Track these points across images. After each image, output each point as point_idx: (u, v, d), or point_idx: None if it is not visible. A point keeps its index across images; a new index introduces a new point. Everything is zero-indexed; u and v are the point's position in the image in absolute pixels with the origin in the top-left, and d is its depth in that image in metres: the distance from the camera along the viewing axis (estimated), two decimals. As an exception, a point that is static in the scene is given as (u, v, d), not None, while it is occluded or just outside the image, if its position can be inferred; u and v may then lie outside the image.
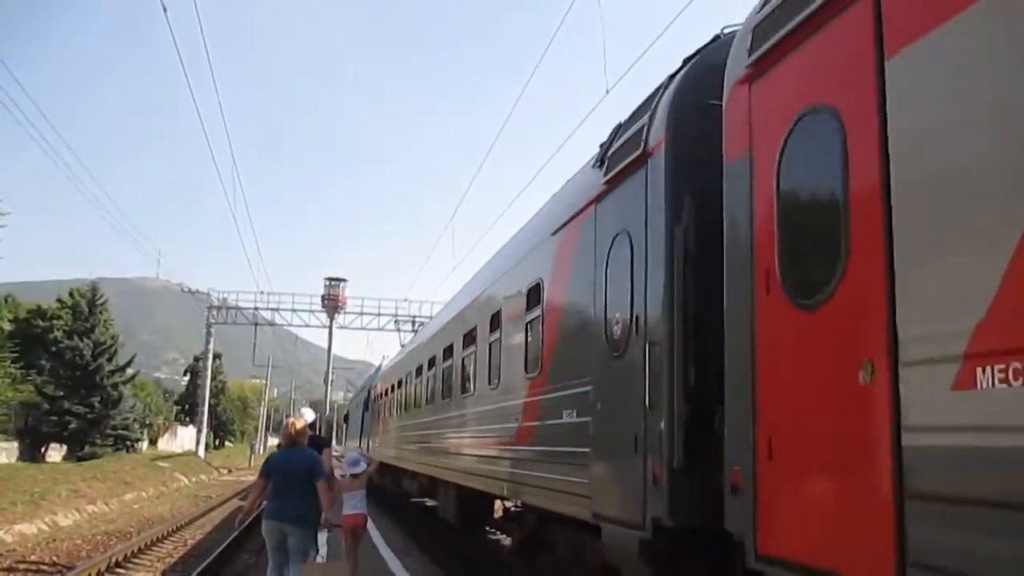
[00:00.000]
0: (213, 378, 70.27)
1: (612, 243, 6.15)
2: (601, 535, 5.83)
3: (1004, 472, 2.55)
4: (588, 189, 6.88)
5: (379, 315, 60.32)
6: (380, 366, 30.08)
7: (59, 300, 50.85)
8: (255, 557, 14.49)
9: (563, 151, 15.17)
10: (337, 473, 10.43)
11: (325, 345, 68.32)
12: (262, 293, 64.34)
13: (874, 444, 3.16)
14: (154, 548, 17.03)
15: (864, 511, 3.20)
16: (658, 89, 5.92)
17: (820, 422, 3.58)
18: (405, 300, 60.16)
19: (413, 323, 57.19)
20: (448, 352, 12.89)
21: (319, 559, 10.67)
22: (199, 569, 12.70)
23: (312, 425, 9.53)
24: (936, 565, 2.81)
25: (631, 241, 5.80)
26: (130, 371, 52.85)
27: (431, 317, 26.97)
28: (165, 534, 18.92)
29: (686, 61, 5.77)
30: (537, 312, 8.01)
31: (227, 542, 15.98)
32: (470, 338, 11.20)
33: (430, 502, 16.38)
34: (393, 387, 21.05)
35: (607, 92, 11.71)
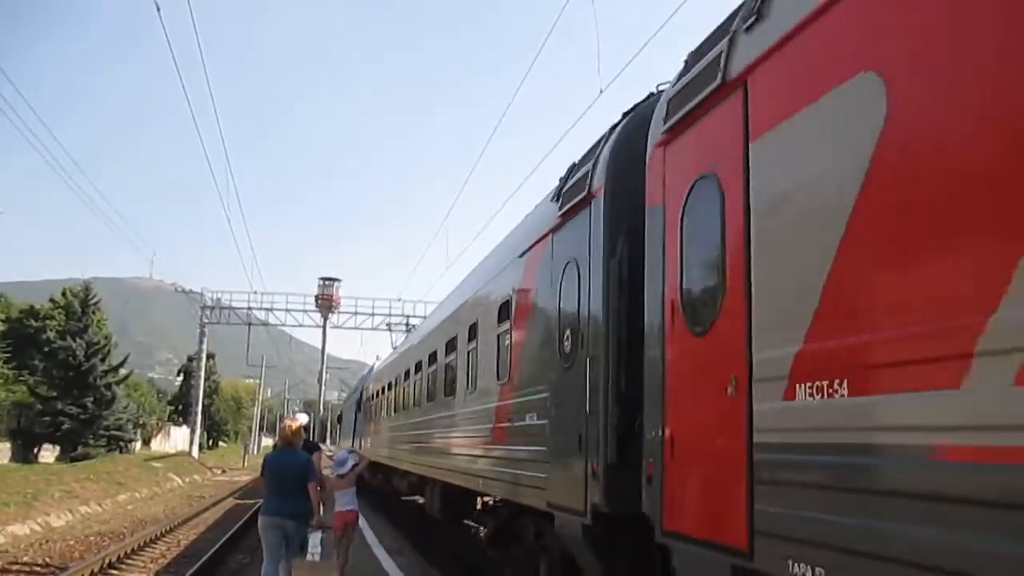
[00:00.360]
0: (207, 378, 70.22)
1: (564, 269, 7.11)
2: (554, 522, 6.80)
3: (813, 460, 3.52)
4: (547, 220, 7.89)
5: (373, 315, 60.33)
6: (372, 367, 31.19)
7: (52, 300, 50.90)
8: (249, 557, 14.51)
9: (557, 151, 15.20)
10: (328, 473, 10.92)
11: (319, 345, 68.28)
12: (256, 293, 64.25)
13: (736, 442, 4.09)
14: (147, 549, 17.05)
15: (728, 494, 4.13)
16: (601, 138, 6.95)
17: (703, 425, 4.55)
18: (399, 300, 60.08)
19: (407, 323, 57.16)
20: (433, 358, 13.94)
21: (312, 557, 11.08)
22: (193, 569, 12.66)
23: (305, 428, 10.03)
24: (771, 532, 3.74)
25: (578, 269, 6.76)
26: (123, 371, 52.92)
27: (424, 317, 27.22)
28: (159, 535, 18.95)
29: (624, 115, 6.79)
30: (506, 325, 9.01)
31: (221, 542, 15.95)
32: (452, 345, 12.22)
33: (420, 500, 17.20)
34: (383, 389, 22.18)
35: (601, 92, 11.78)
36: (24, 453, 42.05)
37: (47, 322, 48.60)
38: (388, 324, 47.04)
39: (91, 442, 45.78)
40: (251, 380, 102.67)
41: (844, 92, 3.51)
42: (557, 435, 6.91)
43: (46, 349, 46.26)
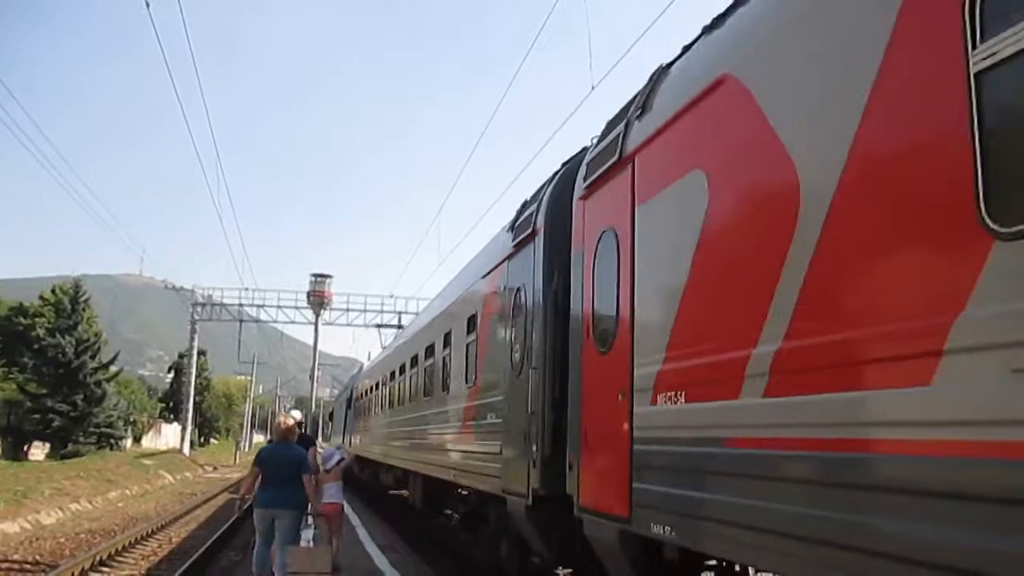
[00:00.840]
0: (198, 375, 70.12)
1: (515, 292, 8.41)
2: (507, 505, 8.07)
3: (664, 449, 4.92)
4: (504, 248, 9.19)
5: (365, 311, 60.27)
6: (362, 367, 33.00)
7: (41, 297, 50.73)
8: (241, 554, 14.48)
9: (548, 148, 15.20)
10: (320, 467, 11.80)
11: (311, 341, 68.06)
12: (247, 289, 64.04)
13: (623, 437, 5.38)
14: (138, 546, 17.06)
15: (618, 477, 5.42)
16: (546, 182, 8.32)
17: (605, 424, 5.82)
18: (391, 296, 60.23)
19: (398, 320, 57.03)
20: (415, 361, 15.32)
21: (306, 543, 11.60)
22: (184, 567, 12.64)
23: (300, 424, 11.08)
24: (641, 503, 5.07)
25: (525, 292, 8.10)
26: (114, 368, 53.02)
27: (416, 314, 27.43)
28: (150, 532, 18.97)
29: (563, 164, 8.11)
30: (473, 336, 10.37)
31: (212, 539, 15.92)
32: (430, 351, 13.61)
33: (405, 493, 18.27)
34: (371, 389, 23.77)
35: (592, 88, 11.82)
36: (14, 451, 42.14)
37: (37, 319, 48.42)
38: (378, 324, 47.27)
39: (81, 439, 45.89)
40: (242, 377, 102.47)
41: (686, 181, 4.88)
42: (509, 432, 8.20)
43: (36, 347, 46.26)
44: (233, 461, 65.64)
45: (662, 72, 5.70)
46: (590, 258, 6.41)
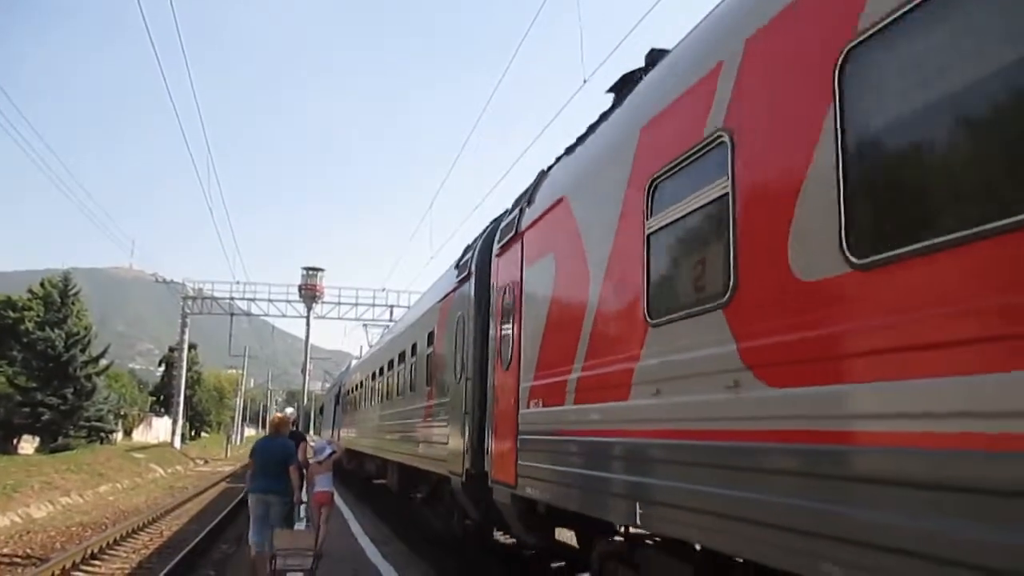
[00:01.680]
0: (189, 368, 70.37)
1: (458, 318, 10.75)
2: (451, 482, 10.42)
3: (533, 438, 7.07)
4: (451, 281, 11.62)
5: (356, 305, 60.43)
6: (349, 366, 35.61)
7: (30, 290, 50.92)
8: (234, 547, 14.48)
9: (541, 140, 15.19)
10: (310, 460, 12.94)
11: (302, 335, 68.14)
12: (238, 283, 64.14)
13: (513, 430, 7.63)
14: (130, 539, 17.26)
15: (511, 457, 7.67)
16: (478, 237, 10.66)
17: (505, 421, 8.01)
18: (383, 290, 60.12)
19: (390, 313, 56.93)
20: (391, 365, 17.85)
21: (300, 526, 12.67)
22: (176, 560, 12.62)
23: (293, 421, 12.92)
24: (522, 474, 7.26)
25: (463, 319, 10.42)
26: (104, 362, 53.40)
27: (409, 307, 27.57)
28: (141, 525, 19.19)
29: (492, 222, 10.34)
30: (431, 349, 12.82)
31: (204, 533, 15.90)
32: (402, 357, 16.14)
33: (384, 481, 20.48)
34: (356, 387, 26.46)
35: (584, 82, 11.88)
36: (3, 444, 42.41)
37: (26, 313, 48.49)
38: (364, 322, 47.59)
39: (71, 433, 46.10)
40: (234, 370, 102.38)
41: (545, 259, 7.16)
42: (452, 426, 10.56)
43: (25, 340, 46.20)
44: (224, 455, 65.83)
45: (542, 175, 8.11)
46: (499, 301, 8.80)
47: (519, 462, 7.38)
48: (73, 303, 50.18)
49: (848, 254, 3.24)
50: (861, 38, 3.25)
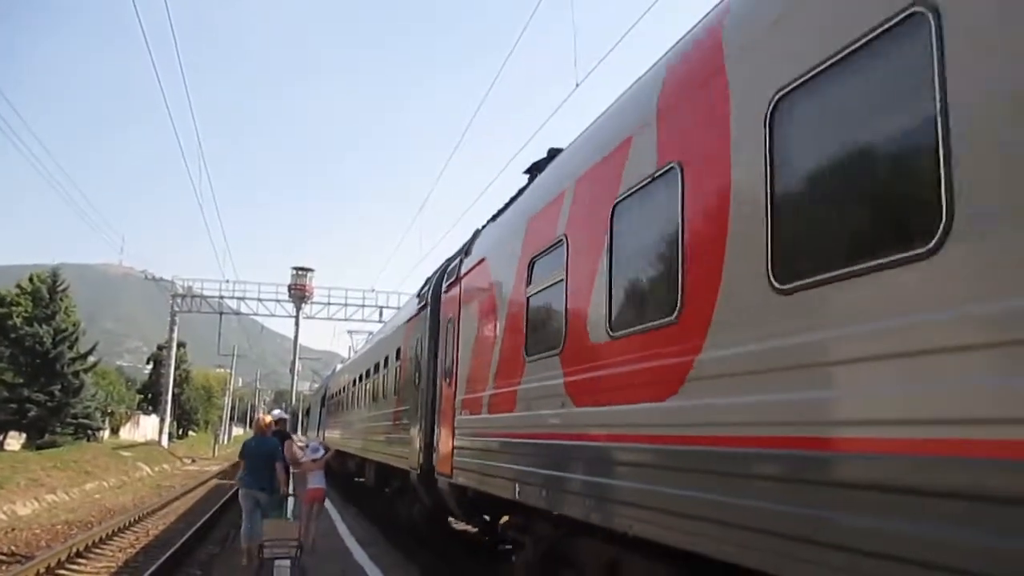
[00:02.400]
0: (177, 367, 70.41)
1: (419, 338, 12.80)
2: (411, 476, 12.36)
3: (465, 437, 9.07)
4: (415, 307, 13.86)
5: (346, 305, 60.53)
6: (334, 370, 37.48)
7: (19, 286, 51.00)
8: (219, 547, 14.45)
9: (532, 143, 15.24)
10: (303, 457, 13.96)
11: (291, 335, 68.27)
12: (227, 282, 63.90)
13: (452, 432, 9.62)
14: (116, 538, 17.32)
15: (449, 454, 9.68)
16: (434, 273, 12.77)
17: (446, 424, 10.06)
18: (372, 291, 60.04)
19: (380, 314, 56.89)
20: (367, 373, 20.17)
21: (289, 519, 13.62)
22: (162, 559, 12.58)
23: (283, 420, 14.58)
24: (457, 467, 9.27)
25: (421, 340, 12.47)
26: (92, 359, 53.90)
27: (399, 308, 27.77)
28: (127, 524, 19.14)
29: (445, 261, 12.26)
30: (399, 362, 14.99)
31: (190, 532, 15.84)
32: (376, 367, 18.45)
33: (365, 478, 22.56)
34: (338, 392, 28.95)
35: (577, 85, 11.97)
36: (-11, 441, 41.36)
37: (13, 308, 48.22)
38: (350, 332, 48.33)
39: (58, 430, 46.37)
40: (222, 369, 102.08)
41: (471, 304, 9.31)
42: (412, 429, 12.50)
43: (12, 336, 46.16)
44: (212, 454, 65.69)
45: (476, 233, 10.22)
46: (445, 330, 10.93)
47: (454, 458, 9.48)
48: (61, 299, 50.49)
49: (609, 331, 5.42)
50: (623, 196, 5.39)
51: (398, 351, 15.17)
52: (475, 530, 12.25)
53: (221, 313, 63.61)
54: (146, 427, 72.74)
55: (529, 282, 7.21)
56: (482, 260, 9.13)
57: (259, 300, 62.92)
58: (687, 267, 4.47)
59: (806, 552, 3.37)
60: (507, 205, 9.07)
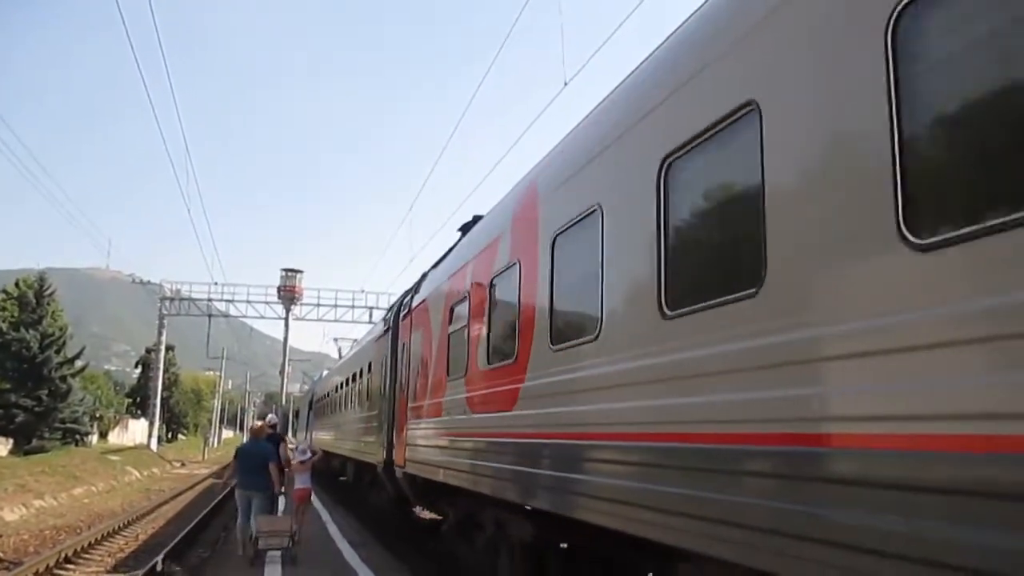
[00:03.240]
0: (166, 370, 70.34)
1: (385, 355, 15.27)
2: (378, 468, 14.86)
3: (417, 432, 11.40)
4: (382, 329, 16.53)
5: (336, 307, 60.51)
6: (321, 375, 39.87)
7: (5, 291, 51.36)
8: (209, 551, 14.42)
9: (523, 141, 15.19)
10: (293, 459, 14.82)
11: (281, 337, 68.00)
12: (216, 284, 63.92)
13: (404, 431, 12.29)
14: (105, 543, 17.40)
15: (403, 449, 12.26)
16: (396, 302, 15.75)
17: (401, 426, 12.63)
18: (362, 292, 59.92)
19: (370, 315, 56.77)
20: (347, 381, 22.95)
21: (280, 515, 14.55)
22: (151, 564, 12.49)
23: (274, 426, 15.70)
24: (410, 459, 11.73)
25: (387, 358, 14.93)
26: (79, 363, 54.26)
27: (386, 311, 28.08)
28: (116, 529, 19.24)
29: (405, 292, 14.89)
30: (371, 374, 17.64)
31: (180, 536, 15.75)
32: (352, 378, 21.47)
33: (346, 476, 25.20)
34: (324, 396, 31.83)
35: (565, 84, 12.03)
36: (-24, 447, 41.04)
37: (0, 313, 47.14)
38: (335, 339, 48.97)
39: (46, 435, 46.66)
40: (211, 372, 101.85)
41: (418, 333, 11.90)
42: (380, 429, 14.98)
43: (-1, 341, 45.02)
44: (202, 457, 65.72)
45: (423, 276, 12.67)
46: (400, 351, 13.45)
47: (406, 453, 12.02)
48: (48, 304, 50.86)
49: (486, 363, 8.03)
50: (496, 274, 8.04)
51: (370, 365, 18.20)
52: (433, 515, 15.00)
53: (210, 315, 64.31)
54: (135, 431, 72.50)
55: (450, 322, 10.01)
56: (424, 300, 11.97)
57: (248, 302, 63.91)
58: (521, 331, 7.21)
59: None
60: (444, 256, 11.71)
